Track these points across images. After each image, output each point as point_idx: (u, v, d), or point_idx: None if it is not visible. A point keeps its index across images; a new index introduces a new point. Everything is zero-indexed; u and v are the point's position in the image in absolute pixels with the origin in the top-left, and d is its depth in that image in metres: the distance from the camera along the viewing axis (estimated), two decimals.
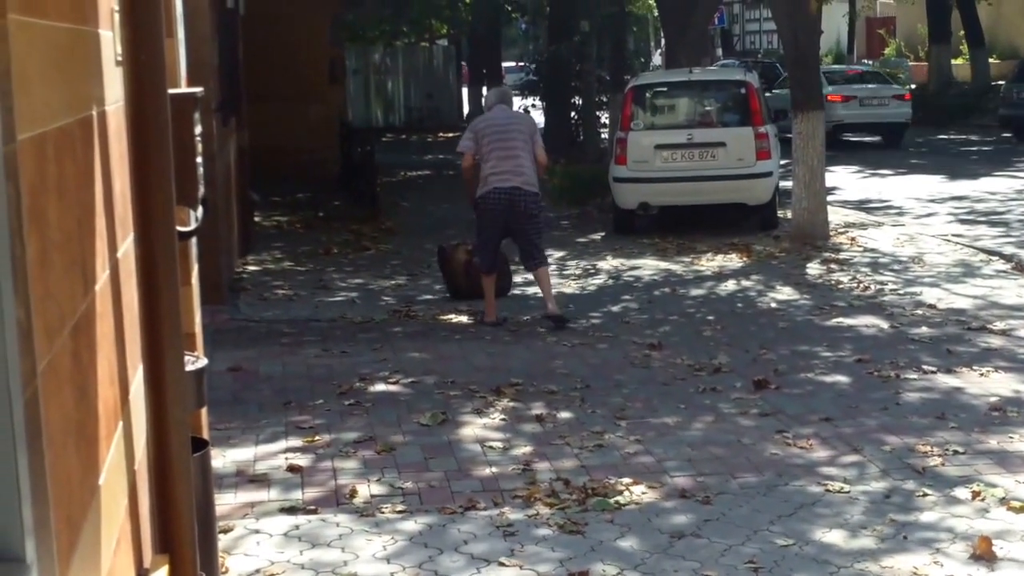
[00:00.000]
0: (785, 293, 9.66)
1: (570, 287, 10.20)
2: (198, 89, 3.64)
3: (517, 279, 10.19)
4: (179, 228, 3.05)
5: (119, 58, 2.82)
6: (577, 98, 22.09)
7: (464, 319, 8.98)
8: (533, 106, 23.75)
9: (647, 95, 13.34)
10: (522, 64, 31.33)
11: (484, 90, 29.31)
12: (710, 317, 8.86)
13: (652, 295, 9.77)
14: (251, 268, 11.32)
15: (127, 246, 2.83)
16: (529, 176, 8.66)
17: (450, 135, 27.07)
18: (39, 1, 2.06)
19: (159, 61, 2.84)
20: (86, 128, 2.42)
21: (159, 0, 2.89)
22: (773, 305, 9.21)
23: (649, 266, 11.06)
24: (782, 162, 13.51)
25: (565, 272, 10.90)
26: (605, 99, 21.15)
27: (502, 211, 8.65)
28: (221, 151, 9.78)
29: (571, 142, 21.90)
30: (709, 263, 11.10)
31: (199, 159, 3.51)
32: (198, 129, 3.50)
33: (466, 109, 32.04)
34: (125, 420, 2.70)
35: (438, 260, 9.93)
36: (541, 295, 8.89)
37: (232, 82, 11.39)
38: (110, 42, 2.76)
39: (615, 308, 9.32)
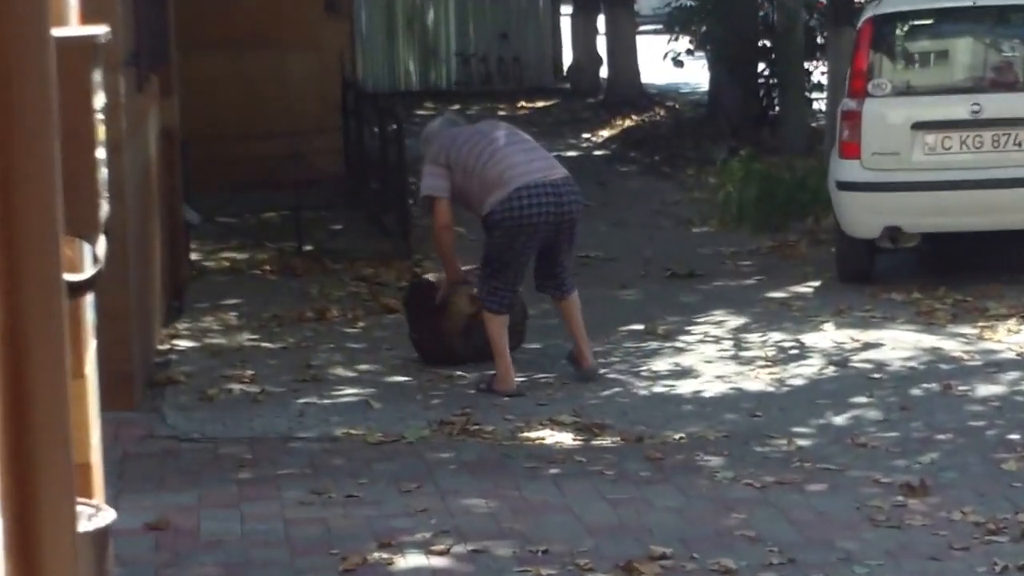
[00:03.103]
0: None
1: (759, 379, 10.19)
2: (100, 30, 3.71)
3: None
4: (67, 276, 3.09)
5: None
6: (768, 43, 22.10)
7: (567, 438, 8.98)
8: (689, 52, 23.77)
9: (897, 34, 13.32)
10: None
11: (601, 23, 29.38)
12: (1014, 436, 8.81)
13: (907, 395, 9.74)
14: (184, 344, 11.45)
15: None
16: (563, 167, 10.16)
17: (539, 105, 27.23)
18: None
19: None
20: None
21: None
22: None
23: (902, 343, 11.01)
24: None
25: (747, 351, 10.90)
26: (821, 42, 21.15)
27: (549, 220, 9.74)
28: (134, 136, 9.92)
29: (760, 118, 21.91)
30: (1011, 337, 11.02)
31: (101, 153, 3.57)
32: (100, 99, 3.56)
33: (568, 58, 32.16)
34: None
35: (408, 302, 10.84)
36: (573, 341, 10.23)
37: (154, 17, 11.60)
38: None
39: (839, 419, 9.31)
